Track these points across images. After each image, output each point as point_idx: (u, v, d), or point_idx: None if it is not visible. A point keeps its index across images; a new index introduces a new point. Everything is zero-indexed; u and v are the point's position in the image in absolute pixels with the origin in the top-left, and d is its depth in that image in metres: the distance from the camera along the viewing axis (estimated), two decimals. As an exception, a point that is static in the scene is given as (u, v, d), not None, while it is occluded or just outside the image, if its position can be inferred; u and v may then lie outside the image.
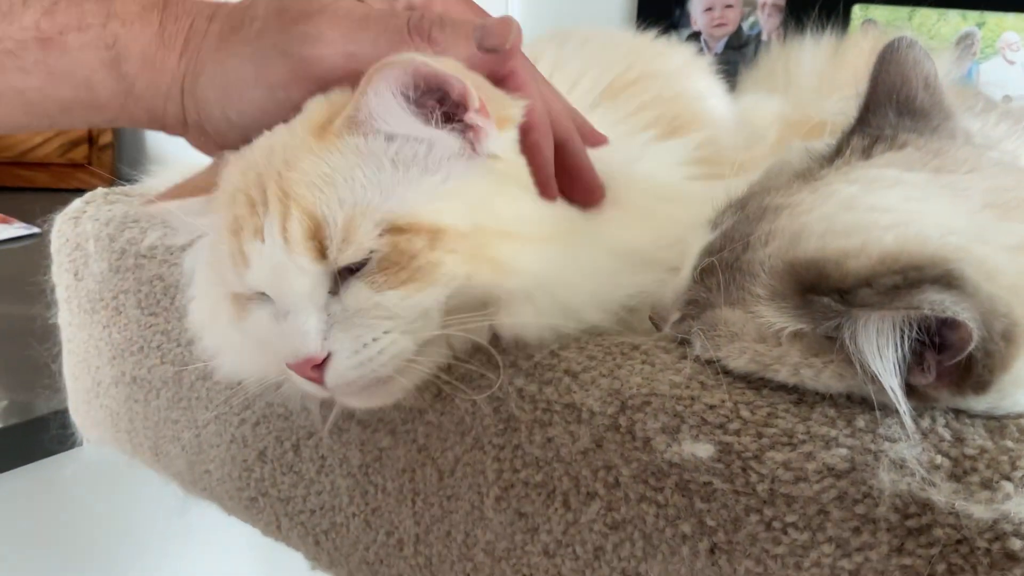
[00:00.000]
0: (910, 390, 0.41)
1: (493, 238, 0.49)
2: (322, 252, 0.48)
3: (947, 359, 0.40)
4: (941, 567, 0.38)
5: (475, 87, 0.48)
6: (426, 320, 0.49)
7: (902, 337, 0.40)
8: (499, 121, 0.50)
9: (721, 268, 0.48)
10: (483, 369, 0.51)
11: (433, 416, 0.55)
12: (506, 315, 0.50)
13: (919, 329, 0.40)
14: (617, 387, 0.48)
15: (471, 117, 0.49)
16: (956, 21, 1.06)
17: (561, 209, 0.52)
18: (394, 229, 0.48)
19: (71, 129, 1.92)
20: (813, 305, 0.43)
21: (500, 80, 0.52)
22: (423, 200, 0.48)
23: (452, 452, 0.54)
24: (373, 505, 0.60)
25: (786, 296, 0.44)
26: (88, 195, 0.80)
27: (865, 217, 0.45)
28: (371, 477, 0.59)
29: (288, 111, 0.52)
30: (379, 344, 0.48)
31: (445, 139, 0.49)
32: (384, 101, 0.48)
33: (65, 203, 0.79)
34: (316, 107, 0.51)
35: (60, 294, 0.80)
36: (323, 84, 0.51)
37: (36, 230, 1.66)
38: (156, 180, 0.78)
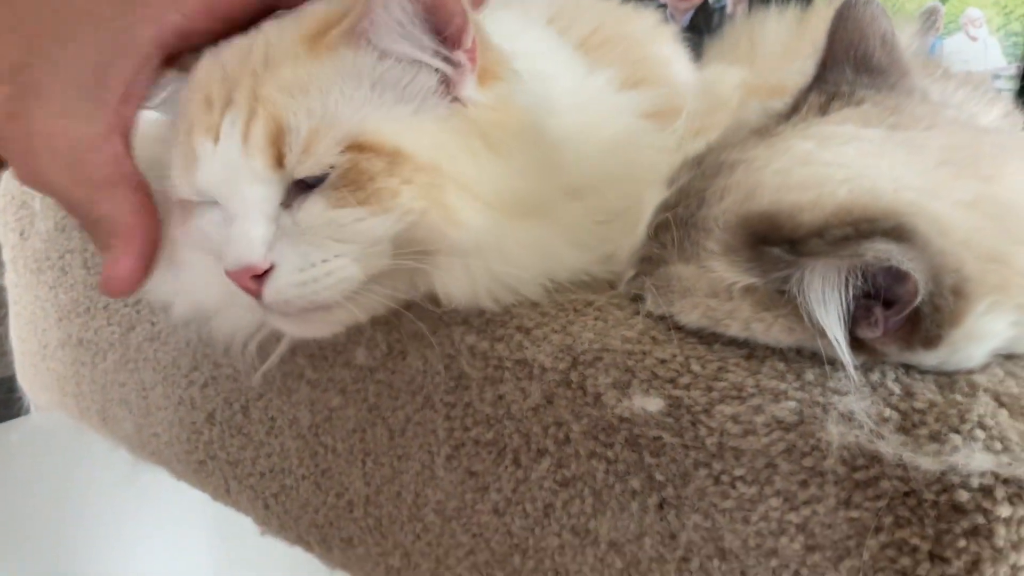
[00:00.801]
0: (859, 344, 0.41)
1: (449, 183, 0.48)
2: (279, 160, 0.47)
3: (894, 313, 0.40)
4: (888, 519, 0.38)
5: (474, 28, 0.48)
6: (376, 251, 0.47)
7: (847, 287, 0.39)
8: (483, 73, 0.50)
9: (676, 224, 0.47)
10: (426, 324, 0.50)
11: (384, 375, 0.54)
12: (440, 271, 0.49)
13: (866, 281, 0.39)
14: (569, 343, 0.47)
15: (458, 56, 0.48)
16: (920, -3, 1.06)
17: (525, 184, 0.51)
18: (356, 146, 0.47)
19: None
20: (764, 257, 0.42)
21: None
22: (389, 124, 0.47)
23: (403, 411, 0.53)
24: (323, 466, 0.59)
25: (738, 250, 0.44)
26: (35, 153, 0.77)
27: (820, 171, 0.44)
28: (321, 438, 0.58)
29: None
30: (328, 266, 0.47)
31: (429, 71, 0.49)
32: (392, 15, 0.47)
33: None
34: (311, 14, 0.50)
35: (6, 254, 0.78)
36: None
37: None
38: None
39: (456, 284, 0.49)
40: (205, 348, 0.63)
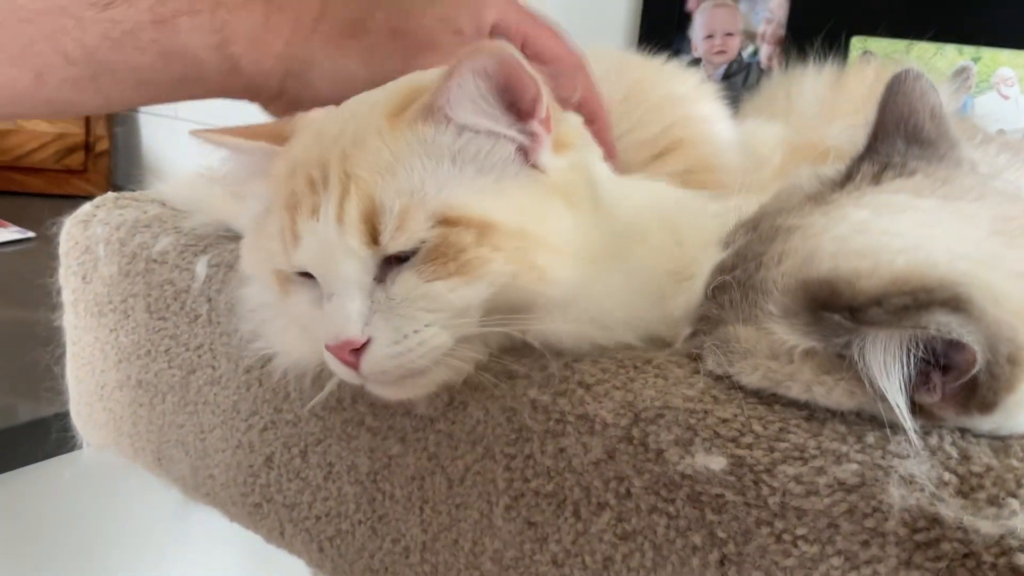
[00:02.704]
0: (918, 408, 0.43)
1: (537, 245, 0.50)
2: (374, 238, 0.49)
3: (952, 380, 0.42)
4: (948, 580, 0.39)
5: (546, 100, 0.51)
6: (466, 317, 0.50)
7: (908, 356, 0.41)
8: (557, 143, 0.53)
9: (735, 286, 0.49)
10: (499, 379, 0.52)
11: (444, 425, 0.56)
12: (541, 322, 0.51)
13: (926, 349, 0.41)
14: (631, 399, 0.49)
15: (534, 126, 0.51)
16: (952, 55, 1.09)
17: (600, 235, 0.53)
18: (445, 221, 0.49)
19: (70, 135, 1.92)
20: (824, 322, 0.44)
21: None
22: (475, 196, 0.50)
23: (462, 461, 0.55)
24: (380, 512, 0.60)
25: (798, 313, 0.45)
26: (98, 199, 0.80)
27: (877, 240, 0.46)
28: (379, 484, 0.60)
29: None
30: (419, 336, 0.49)
31: (507, 142, 0.51)
32: (467, 88, 0.49)
33: (60, 208, 0.80)
34: (396, 90, 0.53)
35: (67, 297, 0.80)
36: None
37: (31, 234, 1.65)
38: (171, 186, 0.79)
39: (560, 331, 0.51)
40: (266, 393, 0.65)
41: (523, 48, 0.59)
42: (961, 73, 1.07)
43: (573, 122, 0.57)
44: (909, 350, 0.41)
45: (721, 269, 0.51)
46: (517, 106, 0.51)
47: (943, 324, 0.40)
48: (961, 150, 0.53)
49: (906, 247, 0.45)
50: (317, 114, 0.57)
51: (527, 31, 0.60)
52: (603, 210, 0.54)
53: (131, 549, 1.07)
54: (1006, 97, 1.05)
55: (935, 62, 1.10)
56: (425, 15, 0.59)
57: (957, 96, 1.03)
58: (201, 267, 0.68)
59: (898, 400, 0.41)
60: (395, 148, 0.50)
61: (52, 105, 0.60)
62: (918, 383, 0.42)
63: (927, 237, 0.46)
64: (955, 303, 0.41)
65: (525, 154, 0.52)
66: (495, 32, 0.59)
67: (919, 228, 0.47)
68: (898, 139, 0.53)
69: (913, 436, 0.42)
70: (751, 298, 0.48)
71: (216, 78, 0.59)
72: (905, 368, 0.41)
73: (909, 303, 0.42)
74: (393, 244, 0.49)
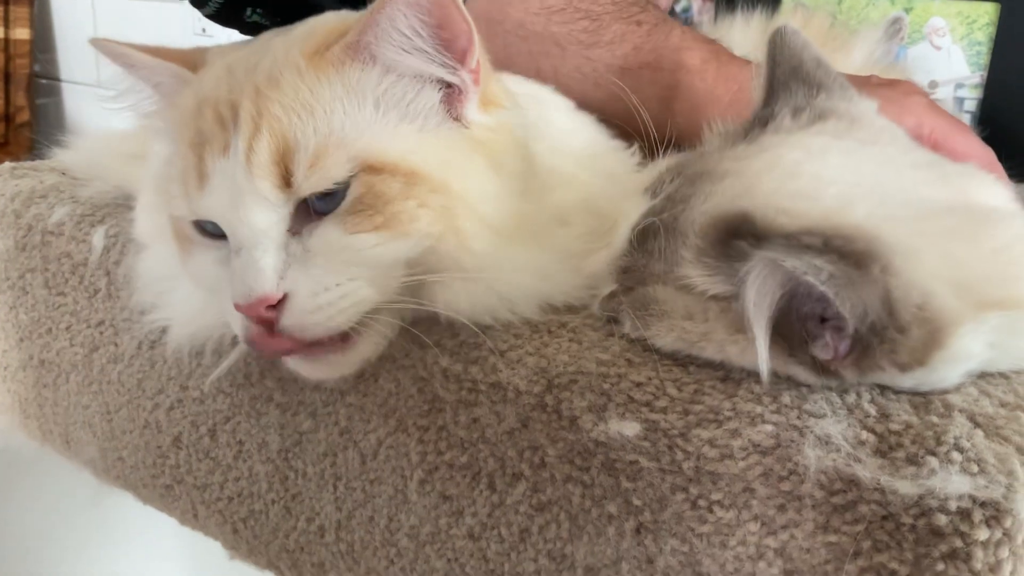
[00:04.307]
0: (822, 367, 0.41)
1: (460, 205, 0.47)
2: (287, 180, 0.45)
3: (841, 338, 0.40)
4: (867, 544, 0.38)
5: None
6: (390, 274, 0.47)
7: (783, 296, 0.39)
8: (485, 99, 0.50)
9: (661, 230, 0.46)
10: (410, 348, 0.50)
11: (355, 398, 0.53)
12: (443, 292, 0.48)
13: (809, 299, 0.39)
14: (544, 365, 0.47)
15: (462, 76, 0.48)
16: (885, 6, 1.07)
17: (523, 209, 0.50)
18: (368, 168, 0.46)
19: None
20: (730, 252, 0.42)
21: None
22: (399, 143, 0.47)
23: (375, 435, 0.53)
24: (293, 491, 0.58)
25: (708, 251, 0.43)
26: (-8, 169, 0.76)
27: (808, 184, 0.44)
28: (291, 462, 0.57)
29: None
30: (342, 289, 0.46)
31: (432, 89, 0.48)
32: (398, 26, 0.46)
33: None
34: (315, 29, 0.50)
35: (-36, 274, 0.76)
36: None
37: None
38: (72, 152, 0.75)
39: (460, 304, 0.49)
40: (171, 370, 0.61)
41: (935, 149, 0.55)
42: (894, 23, 1.06)
43: (506, 84, 0.54)
44: (783, 289, 0.39)
45: (650, 212, 0.48)
46: (448, 50, 0.48)
47: (817, 271, 0.37)
48: (851, 92, 0.52)
49: (837, 194, 0.43)
50: (228, 49, 0.53)
51: (939, 138, 0.58)
52: (531, 182, 0.51)
53: (47, 537, 1.03)
54: (938, 48, 1.04)
55: (868, 12, 1.08)
56: None
57: (890, 46, 1.02)
58: (98, 238, 0.64)
59: (759, 333, 0.40)
60: (314, 88, 0.46)
61: None
62: (814, 338, 0.40)
63: (856, 185, 0.44)
64: (857, 257, 0.39)
65: (450, 105, 0.49)
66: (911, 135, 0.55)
67: (847, 174, 0.45)
68: (794, 85, 0.51)
69: (765, 372, 0.40)
70: (672, 244, 0.46)
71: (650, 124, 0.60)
72: (774, 301, 0.39)
73: (812, 243, 0.39)
74: (307, 185, 0.45)
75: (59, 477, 0.81)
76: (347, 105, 0.47)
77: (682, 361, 0.45)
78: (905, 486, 0.37)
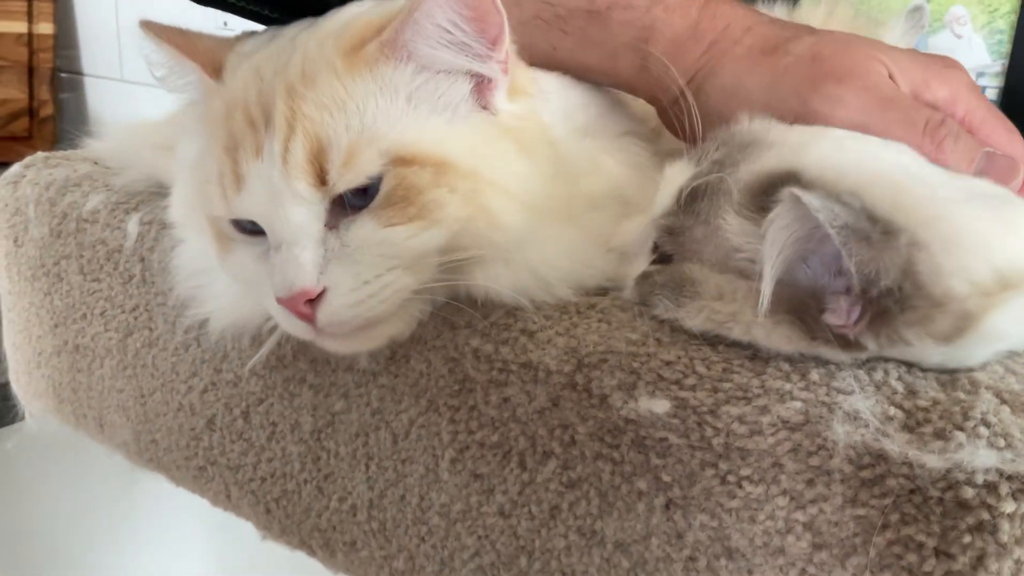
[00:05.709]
0: (844, 341, 0.42)
1: (488, 187, 0.48)
2: (322, 178, 0.47)
3: (854, 301, 0.41)
4: (895, 517, 0.38)
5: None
6: (426, 260, 0.48)
7: (800, 236, 0.40)
8: (513, 89, 0.51)
9: (708, 191, 0.47)
10: (441, 329, 0.51)
11: (387, 379, 0.54)
12: (482, 273, 0.49)
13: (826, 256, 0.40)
14: (574, 345, 0.48)
15: (492, 66, 0.49)
16: (906, -5, 1.07)
17: (554, 189, 0.51)
18: (399, 160, 0.47)
19: (13, 101, 1.87)
20: (771, 205, 0.42)
21: None
22: (429, 134, 0.48)
23: (406, 415, 0.54)
24: (325, 471, 0.59)
25: (749, 204, 0.44)
26: (28, 159, 0.77)
27: (855, 159, 0.46)
28: (323, 442, 0.58)
29: None
30: (382, 280, 0.47)
31: (463, 81, 0.49)
32: (434, 21, 0.47)
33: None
34: (348, 24, 0.51)
35: (0, 262, 0.77)
36: None
37: (-26, 203, 1.60)
38: (104, 142, 0.76)
39: (499, 283, 0.50)
40: (205, 354, 0.63)
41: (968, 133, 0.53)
42: (915, 12, 1.06)
43: (531, 73, 0.55)
44: (801, 231, 0.40)
45: (698, 175, 0.49)
46: (482, 41, 0.49)
47: (834, 216, 0.38)
48: None
49: (879, 170, 0.44)
50: (249, 46, 0.54)
51: (974, 123, 0.53)
52: (561, 167, 0.52)
53: (81, 521, 1.05)
54: (959, 36, 1.04)
55: (889, 2, 1.08)
56: (860, 50, 0.53)
57: (910, 36, 1.02)
58: (132, 225, 0.66)
59: (768, 271, 0.41)
60: (349, 86, 0.47)
61: None
62: (829, 305, 0.41)
63: (897, 164, 0.46)
64: (885, 224, 0.40)
65: (480, 95, 0.50)
66: (939, 108, 0.52)
67: (889, 154, 0.47)
68: None
69: (763, 308, 0.41)
70: (717, 205, 0.46)
71: (624, 74, 0.58)
72: (792, 245, 0.40)
73: (849, 202, 0.40)
74: (342, 182, 0.46)
75: (90, 464, 0.83)
76: (380, 101, 0.48)
77: (711, 341, 0.45)
78: (933, 460, 0.38)
